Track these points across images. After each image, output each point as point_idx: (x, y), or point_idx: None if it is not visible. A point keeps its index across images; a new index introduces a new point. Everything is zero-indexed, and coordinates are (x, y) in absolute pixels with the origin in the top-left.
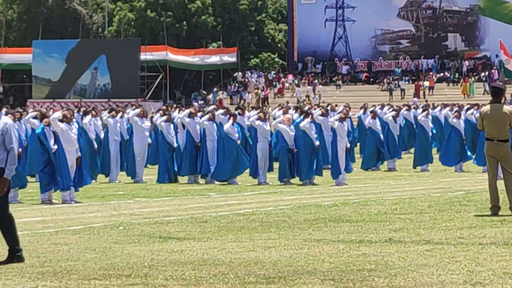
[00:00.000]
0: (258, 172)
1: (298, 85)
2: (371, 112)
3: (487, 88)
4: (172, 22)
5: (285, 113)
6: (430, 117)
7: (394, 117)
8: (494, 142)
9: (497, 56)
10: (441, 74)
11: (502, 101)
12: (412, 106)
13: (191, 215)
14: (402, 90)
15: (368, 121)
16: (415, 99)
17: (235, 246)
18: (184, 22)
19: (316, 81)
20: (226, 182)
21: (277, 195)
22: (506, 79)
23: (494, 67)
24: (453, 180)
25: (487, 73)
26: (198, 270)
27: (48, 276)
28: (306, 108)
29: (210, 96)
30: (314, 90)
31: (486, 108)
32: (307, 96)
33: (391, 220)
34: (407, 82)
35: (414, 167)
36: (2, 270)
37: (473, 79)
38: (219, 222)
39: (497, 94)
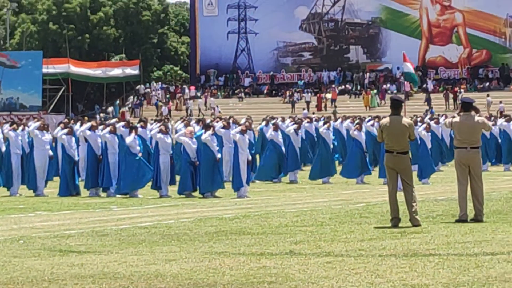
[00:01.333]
0: (160, 185)
1: (199, 98)
2: (273, 124)
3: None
4: (75, 35)
5: (187, 125)
6: (331, 129)
7: (296, 130)
8: (393, 154)
9: (398, 68)
10: (343, 86)
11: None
12: (314, 119)
13: (92, 228)
14: (307, 102)
15: (270, 133)
16: (305, 111)
17: (135, 260)
18: (87, 35)
19: (207, 94)
20: (127, 195)
21: (178, 208)
22: (413, 90)
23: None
24: (354, 192)
25: (388, 85)
26: (99, 284)
27: None
28: (208, 120)
29: (111, 109)
30: (205, 103)
31: (386, 120)
32: (213, 108)
33: (292, 233)
34: (309, 95)
35: (314, 179)
36: None
37: (374, 91)
38: (120, 235)
39: (396, 107)
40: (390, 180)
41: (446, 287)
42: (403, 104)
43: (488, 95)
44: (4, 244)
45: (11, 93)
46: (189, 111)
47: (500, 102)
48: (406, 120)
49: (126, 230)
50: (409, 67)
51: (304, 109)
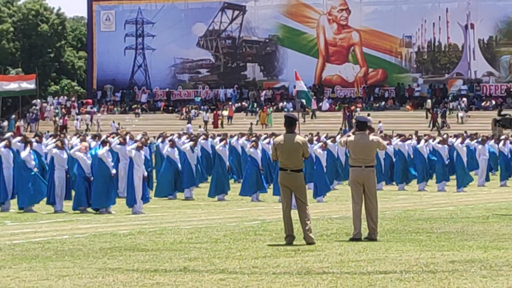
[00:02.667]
0: (54, 200)
1: (96, 113)
2: (169, 141)
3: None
4: None
5: (82, 141)
6: (227, 146)
7: (192, 147)
8: (287, 172)
9: (295, 86)
10: (240, 103)
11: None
12: (209, 136)
13: None
14: (205, 121)
15: (166, 149)
16: (189, 125)
17: (28, 275)
18: None
19: (93, 110)
20: (22, 210)
21: (73, 223)
22: (307, 108)
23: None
24: (249, 209)
25: (285, 103)
26: None
27: None
28: (104, 136)
29: (5, 123)
30: (91, 119)
31: (280, 138)
32: (119, 123)
33: (187, 249)
34: (207, 112)
35: (211, 196)
36: None
37: (271, 109)
38: (13, 250)
39: (289, 124)
40: (284, 198)
41: None
42: (296, 121)
43: (379, 122)
44: None
45: None
46: (81, 126)
47: (379, 122)
48: (300, 138)
49: (19, 245)
50: (302, 85)
51: (200, 126)
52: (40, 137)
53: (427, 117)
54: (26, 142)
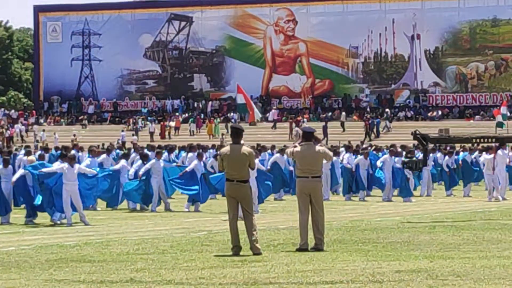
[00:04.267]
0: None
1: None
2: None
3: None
4: None
5: (28, 155)
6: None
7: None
8: (234, 182)
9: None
10: (187, 114)
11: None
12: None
13: None
14: (151, 133)
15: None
16: (123, 133)
17: None
18: None
19: (50, 120)
20: None
21: (19, 234)
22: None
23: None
24: (196, 220)
25: (232, 114)
26: None
27: None
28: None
29: None
30: (26, 130)
31: (226, 149)
32: (74, 135)
33: (133, 260)
34: (153, 123)
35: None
36: None
37: (218, 119)
38: None
39: (236, 135)
40: (230, 209)
41: None
42: (243, 132)
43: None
44: None
45: None
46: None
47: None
48: (246, 149)
49: None
50: (242, 99)
51: (151, 133)
52: None
53: (366, 126)
54: None
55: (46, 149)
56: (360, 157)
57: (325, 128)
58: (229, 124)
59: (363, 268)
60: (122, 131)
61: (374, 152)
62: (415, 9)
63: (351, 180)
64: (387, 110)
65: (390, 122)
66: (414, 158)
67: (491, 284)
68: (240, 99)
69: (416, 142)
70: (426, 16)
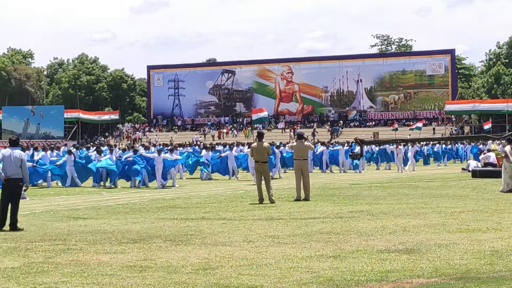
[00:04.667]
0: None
1: (151, 131)
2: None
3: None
4: (83, 96)
5: (147, 149)
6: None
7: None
8: (259, 163)
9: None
10: (234, 125)
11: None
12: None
13: (91, 205)
14: (212, 136)
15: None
16: (196, 136)
17: (116, 222)
18: (91, 96)
19: (156, 129)
20: (113, 187)
21: (141, 192)
22: (271, 127)
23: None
24: (237, 185)
25: (257, 125)
26: (94, 236)
27: (9, 240)
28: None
29: (102, 139)
30: (144, 135)
31: (254, 144)
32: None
33: (204, 207)
34: (214, 130)
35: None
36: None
37: (250, 128)
38: (107, 209)
39: (260, 137)
40: (257, 177)
41: (288, 236)
42: (264, 135)
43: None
44: (41, 214)
45: (46, 129)
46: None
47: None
48: (265, 144)
49: (110, 206)
50: (258, 115)
51: (212, 136)
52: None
53: (329, 131)
54: (98, 150)
55: (154, 145)
56: (324, 147)
57: (313, 132)
58: (256, 130)
59: (332, 210)
60: (196, 135)
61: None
62: (359, 65)
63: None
64: (341, 121)
65: (341, 128)
66: (356, 152)
67: (403, 218)
68: (255, 117)
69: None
70: (365, 69)
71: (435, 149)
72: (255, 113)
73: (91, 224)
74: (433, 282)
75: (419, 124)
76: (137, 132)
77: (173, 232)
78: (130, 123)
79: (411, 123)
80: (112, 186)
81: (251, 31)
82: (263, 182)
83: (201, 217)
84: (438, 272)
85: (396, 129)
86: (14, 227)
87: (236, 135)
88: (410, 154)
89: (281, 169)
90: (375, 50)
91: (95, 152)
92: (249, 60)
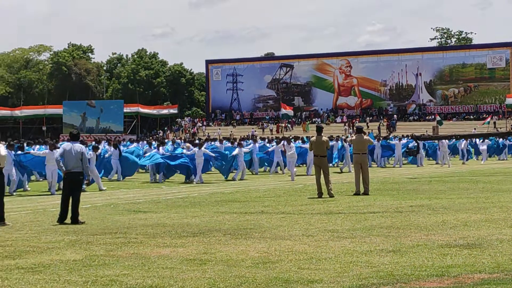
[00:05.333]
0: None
1: (209, 125)
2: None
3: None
4: (142, 91)
5: (160, 145)
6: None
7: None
8: (318, 157)
9: (321, 109)
10: (293, 119)
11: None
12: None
13: (151, 198)
14: (271, 130)
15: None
16: (253, 130)
17: (175, 216)
18: (150, 91)
19: (214, 124)
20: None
21: (199, 186)
22: (329, 121)
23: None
24: (297, 178)
25: (316, 119)
26: (154, 229)
27: (71, 233)
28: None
29: (161, 132)
30: (203, 128)
31: (313, 138)
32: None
33: (263, 201)
34: (272, 124)
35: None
36: (68, 229)
37: (308, 122)
38: (167, 202)
39: (319, 130)
40: (316, 172)
41: (348, 231)
42: (323, 129)
43: (372, 130)
44: (102, 207)
45: (106, 124)
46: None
47: (372, 130)
48: (324, 138)
49: (170, 199)
50: (285, 111)
51: (271, 130)
52: (163, 143)
53: (387, 127)
54: (158, 144)
55: (213, 139)
56: (379, 142)
57: (379, 127)
58: (316, 124)
59: (391, 204)
60: (252, 129)
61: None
62: (419, 58)
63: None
64: (394, 116)
65: (396, 122)
66: (412, 149)
67: (464, 212)
68: (283, 111)
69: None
70: (425, 63)
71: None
72: (284, 109)
73: (151, 217)
74: (495, 277)
75: (488, 119)
76: (195, 126)
77: (232, 226)
78: (189, 117)
79: (471, 117)
80: (162, 180)
81: (310, 25)
82: (322, 176)
83: (260, 211)
84: (500, 267)
85: (440, 123)
86: (75, 220)
87: (288, 129)
88: (481, 149)
89: (350, 163)
90: (434, 44)
91: (147, 146)
92: (307, 54)
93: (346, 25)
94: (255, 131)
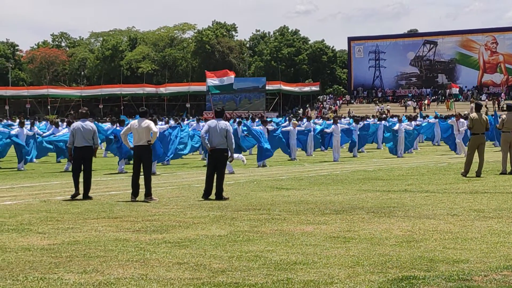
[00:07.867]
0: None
1: (351, 103)
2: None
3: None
4: (283, 68)
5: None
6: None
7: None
8: (478, 135)
9: (466, 87)
10: (435, 96)
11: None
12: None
13: (293, 175)
14: (414, 108)
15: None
16: (385, 106)
17: (318, 193)
18: (292, 69)
19: (357, 101)
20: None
21: (343, 164)
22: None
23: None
24: (439, 157)
25: (460, 97)
26: (297, 206)
27: (216, 208)
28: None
29: (300, 110)
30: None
31: (474, 114)
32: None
33: (406, 179)
34: (414, 101)
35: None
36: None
37: (452, 99)
38: (310, 180)
39: (478, 108)
40: (471, 151)
41: (494, 211)
42: (482, 106)
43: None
44: (245, 183)
45: (246, 103)
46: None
47: None
48: (484, 116)
49: (313, 177)
50: (454, 90)
51: (415, 108)
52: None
53: None
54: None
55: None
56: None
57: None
58: (475, 101)
59: None
60: (378, 106)
61: None
62: None
63: None
64: None
65: None
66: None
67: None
68: (451, 91)
69: None
70: None
71: None
72: (454, 87)
73: (293, 194)
74: None
75: None
76: (336, 103)
77: (375, 204)
78: (330, 95)
79: None
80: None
81: (454, 0)
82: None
83: (403, 189)
84: None
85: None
86: (219, 196)
87: (437, 106)
88: None
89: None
90: None
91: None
92: (451, 31)
93: (492, 0)
94: (384, 108)
